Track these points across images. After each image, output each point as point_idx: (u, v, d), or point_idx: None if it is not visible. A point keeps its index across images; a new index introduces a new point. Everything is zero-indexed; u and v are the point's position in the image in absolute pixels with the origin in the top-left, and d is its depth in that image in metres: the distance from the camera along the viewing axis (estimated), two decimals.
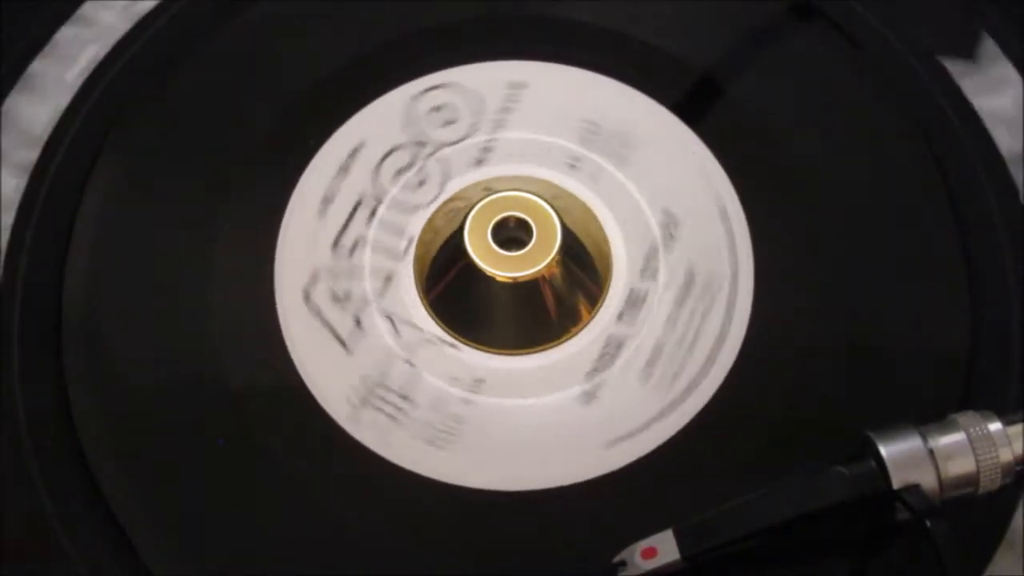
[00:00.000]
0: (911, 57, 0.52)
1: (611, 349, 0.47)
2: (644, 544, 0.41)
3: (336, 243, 0.49)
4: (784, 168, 0.49)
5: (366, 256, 0.48)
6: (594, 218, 0.49)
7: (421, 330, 0.47)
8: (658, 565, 0.40)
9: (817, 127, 0.50)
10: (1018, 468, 0.40)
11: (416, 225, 0.49)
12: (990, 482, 0.40)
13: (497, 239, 0.47)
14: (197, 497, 0.44)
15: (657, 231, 0.48)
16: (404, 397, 0.46)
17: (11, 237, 0.49)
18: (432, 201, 0.49)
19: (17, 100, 0.52)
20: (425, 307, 0.47)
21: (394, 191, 0.49)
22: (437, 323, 0.47)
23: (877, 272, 0.48)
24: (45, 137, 0.51)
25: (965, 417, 0.41)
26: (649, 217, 0.49)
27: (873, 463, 0.40)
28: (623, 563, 0.41)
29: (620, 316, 0.47)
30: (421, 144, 0.50)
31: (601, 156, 0.50)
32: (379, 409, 0.46)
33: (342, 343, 0.47)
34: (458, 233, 0.47)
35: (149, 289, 0.48)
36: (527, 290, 0.47)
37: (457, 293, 0.48)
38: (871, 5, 0.53)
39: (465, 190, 0.49)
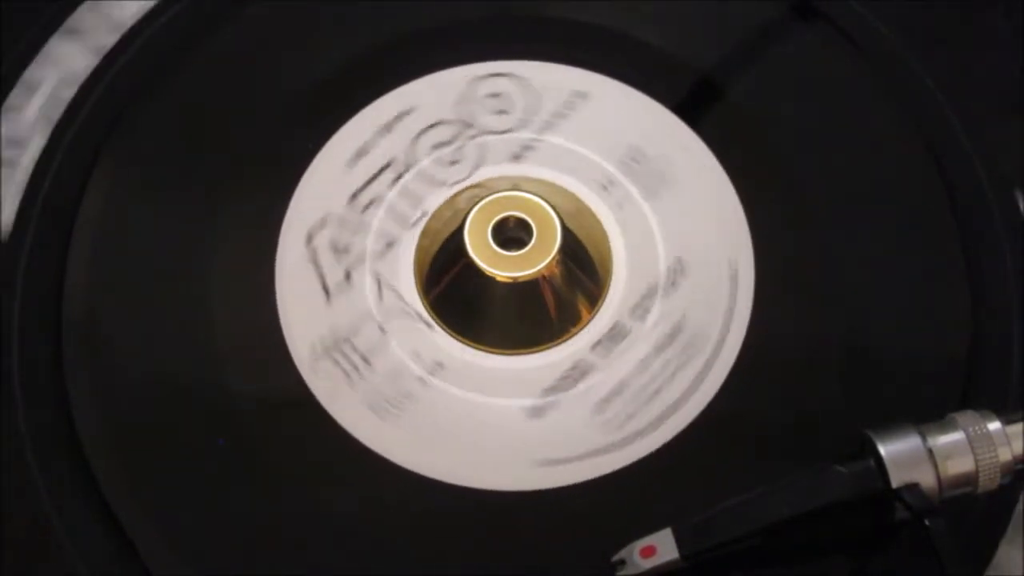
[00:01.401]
0: (911, 57, 0.52)
1: (575, 373, 0.46)
2: (643, 543, 0.41)
3: (354, 196, 0.49)
4: (784, 168, 0.49)
5: (378, 216, 0.49)
6: (601, 229, 0.49)
7: (403, 301, 0.47)
8: (657, 564, 0.40)
9: (817, 127, 0.50)
10: (1017, 467, 0.40)
11: (435, 201, 0.49)
12: (989, 481, 0.40)
13: (497, 239, 0.47)
14: (197, 497, 0.44)
15: (663, 275, 0.48)
16: (365, 360, 0.46)
17: (11, 239, 0.49)
18: (458, 182, 0.49)
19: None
20: (425, 307, 0.47)
21: (425, 162, 0.50)
22: (437, 323, 0.47)
23: (877, 272, 0.48)
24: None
25: (964, 416, 0.41)
26: (660, 259, 0.48)
27: (872, 462, 0.40)
28: (622, 562, 0.41)
29: (596, 345, 0.47)
30: (467, 125, 0.50)
31: (634, 185, 0.49)
32: (338, 363, 0.46)
33: (326, 291, 0.47)
34: (458, 233, 0.47)
35: (150, 286, 0.48)
36: (527, 290, 0.47)
37: (457, 293, 0.48)
38: (871, 5, 0.53)
39: (493, 180, 0.49)
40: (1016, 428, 0.40)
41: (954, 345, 0.46)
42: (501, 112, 0.51)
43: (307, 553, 0.43)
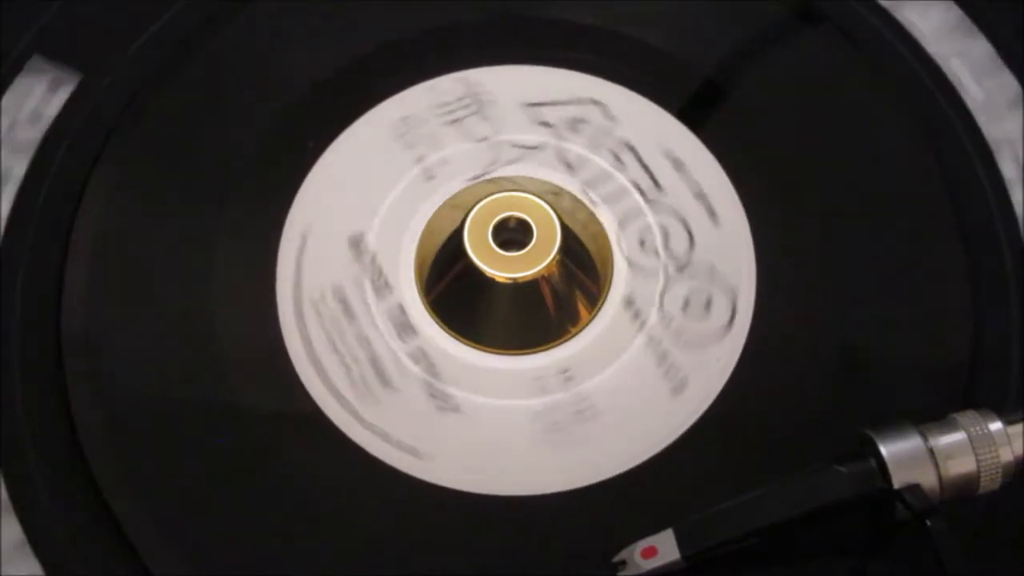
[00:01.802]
0: (912, 58, 0.52)
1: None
2: (644, 544, 0.41)
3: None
4: (785, 170, 0.49)
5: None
6: (605, 235, 0.49)
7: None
8: (658, 565, 0.40)
9: (818, 129, 0.50)
10: (1019, 468, 0.40)
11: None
12: (990, 481, 0.40)
13: (497, 239, 0.47)
14: (197, 497, 0.44)
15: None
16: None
17: (9, 243, 0.48)
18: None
19: None
20: (425, 307, 0.48)
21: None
22: (437, 323, 0.47)
23: (878, 272, 0.48)
24: None
25: (965, 416, 0.41)
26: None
27: (873, 462, 0.40)
28: (623, 562, 0.41)
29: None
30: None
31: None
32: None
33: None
34: (458, 233, 0.47)
35: (149, 287, 0.48)
36: (527, 290, 0.47)
37: (457, 293, 0.48)
38: (871, 5, 0.53)
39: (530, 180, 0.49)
40: (1017, 428, 0.40)
41: (954, 345, 0.46)
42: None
43: (307, 553, 0.43)
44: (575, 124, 0.50)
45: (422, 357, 0.47)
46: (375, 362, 0.47)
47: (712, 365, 0.46)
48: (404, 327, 0.47)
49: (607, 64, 0.51)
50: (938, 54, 0.52)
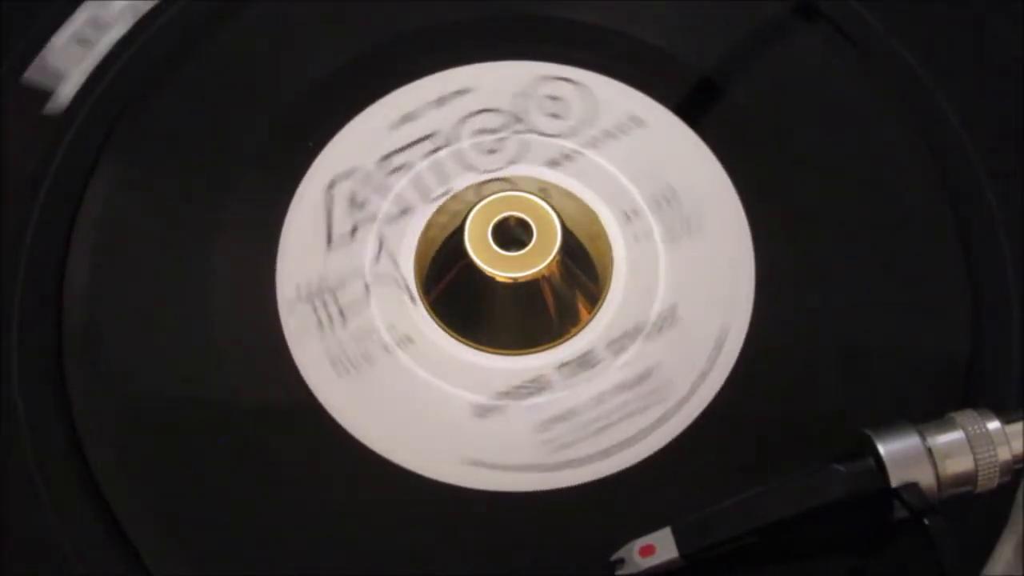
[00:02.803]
0: (911, 57, 0.52)
1: (532, 387, 0.46)
2: (642, 542, 0.41)
3: (387, 157, 0.50)
4: (785, 168, 0.49)
5: (402, 182, 0.49)
6: (611, 255, 0.49)
7: (398, 267, 0.48)
8: (656, 563, 0.40)
9: (817, 128, 0.50)
10: (1016, 467, 0.40)
11: (462, 183, 0.49)
12: (988, 480, 0.40)
13: (497, 239, 0.47)
14: (197, 497, 0.44)
15: (652, 318, 0.47)
16: (341, 314, 0.47)
17: (9, 242, 0.49)
18: (488, 172, 0.50)
19: None
20: (425, 307, 0.48)
21: (464, 144, 0.50)
22: (437, 323, 0.47)
23: (878, 271, 0.48)
24: None
25: (963, 416, 0.41)
26: (656, 302, 0.48)
27: (871, 461, 0.40)
28: (621, 561, 0.41)
29: (561, 366, 0.47)
30: (518, 119, 0.50)
31: (659, 224, 0.49)
32: (315, 310, 0.47)
33: (328, 239, 0.48)
34: (458, 233, 0.47)
35: (149, 284, 0.48)
36: (527, 290, 0.47)
37: (457, 293, 0.48)
38: (871, 5, 0.53)
39: (521, 179, 0.49)
40: (1015, 427, 0.40)
41: (954, 345, 0.46)
42: (554, 116, 0.51)
43: (308, 552, 0.43)
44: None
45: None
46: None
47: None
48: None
49: (670, 94, 0.51)
50: (938, 53, 0.52)
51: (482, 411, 0.46)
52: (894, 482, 0.40)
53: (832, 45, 0.52)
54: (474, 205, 0.47)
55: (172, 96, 0.51)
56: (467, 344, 0.47)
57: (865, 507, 0.40)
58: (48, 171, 0.50)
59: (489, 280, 0.47)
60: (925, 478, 0.40)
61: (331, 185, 0.49)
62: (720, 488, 0.41)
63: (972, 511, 0.43)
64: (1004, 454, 0.40)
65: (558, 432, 0.45)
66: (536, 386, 0.46)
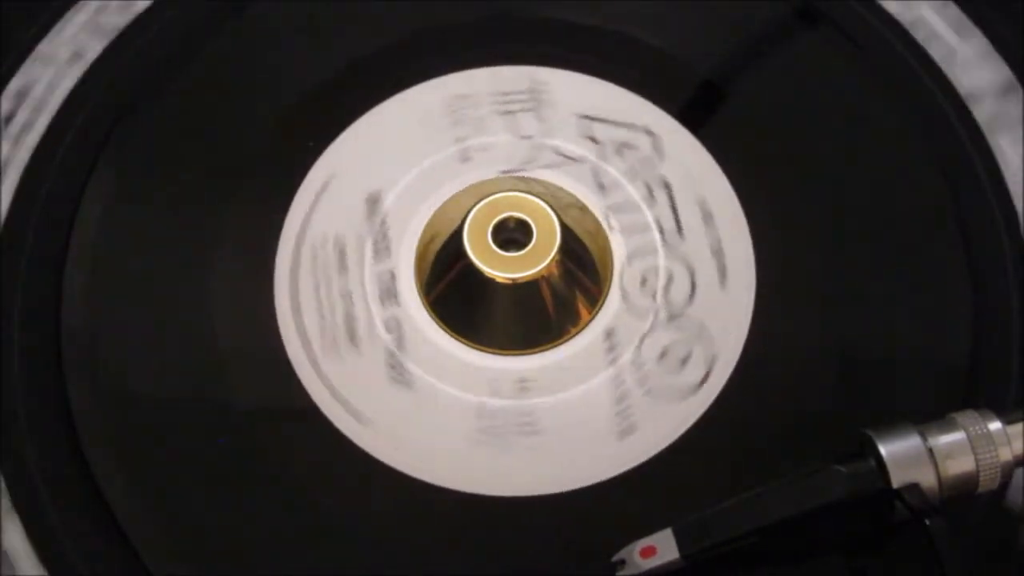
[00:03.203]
0: (912, 58, 0.52)
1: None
2: (643, 543, 0.41)
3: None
4: (786, 169, 0.49)
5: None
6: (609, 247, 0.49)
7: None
8: (657, 564, 0.40)
9: (818, 129, 0.50)
10: (1018, 467, 0.40)
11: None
12: (990, 481, 0.40)
13: (497, 240, 0.47)
14: (197, 497, 0.44)
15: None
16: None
17: (9, 242, 0.48)
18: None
19: None
20: (425, 307, 0.48)
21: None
22: (437, 323, 0.47)
23: (879, 272, 0.48)
24: None
25: (964, 416, 0.41)
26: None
27: (872, 462, 0.40)
28: (622, 562, 0.41)
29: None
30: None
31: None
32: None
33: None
34: (458, 233, 0.47)
35: (149, 287, 0.48)
36: (527, 290, 0.47)
37: (457, 293, 0.48)
38: (871, 5, 0.53)
39: (521, 179, 0.49)
40: (1017, 428, 0.40)
41: (955, 345, 0.46)
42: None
43: (307, 552, 0.43)
44: (622, 148, 0.50)
45: (395, 327, 0.47)
46: (349, 319, 0.47)
47: (667, 420, 0.46)
48: (388, 294, 0.47)
49: (670, 95, 0.51)
50: (938, 53, 0.52)
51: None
52: (895, 483, 0.40)
53: (833, 47, 0.52)
54: (474, 205, 0.47)
55: (172, 96, 0.51)
56: (467, 344, 0.47)
57: (866, 507, 0.40)
58: (48, 170, 0.50)
59: (489, 280, 0.47)
60: (926, 479, 0.40)
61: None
62: (721, 489, 0.41)
63: (973, 511, 0.43)
64: (1005, 454, 0.40)
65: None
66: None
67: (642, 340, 0.47)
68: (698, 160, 0.50)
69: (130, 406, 0.46)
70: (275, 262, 0.48)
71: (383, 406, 0.46)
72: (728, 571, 0.41)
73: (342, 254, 0.48)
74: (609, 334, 0.47)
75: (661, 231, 0.49)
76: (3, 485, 0.44)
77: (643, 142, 0.50)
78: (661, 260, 0.48)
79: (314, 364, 0.46)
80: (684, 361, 0.47)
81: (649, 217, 0.49)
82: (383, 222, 0.48)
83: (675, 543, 0.40)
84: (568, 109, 0.51)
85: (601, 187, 0.49)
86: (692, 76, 0.52)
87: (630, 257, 0.48)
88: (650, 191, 0.49)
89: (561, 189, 0.49)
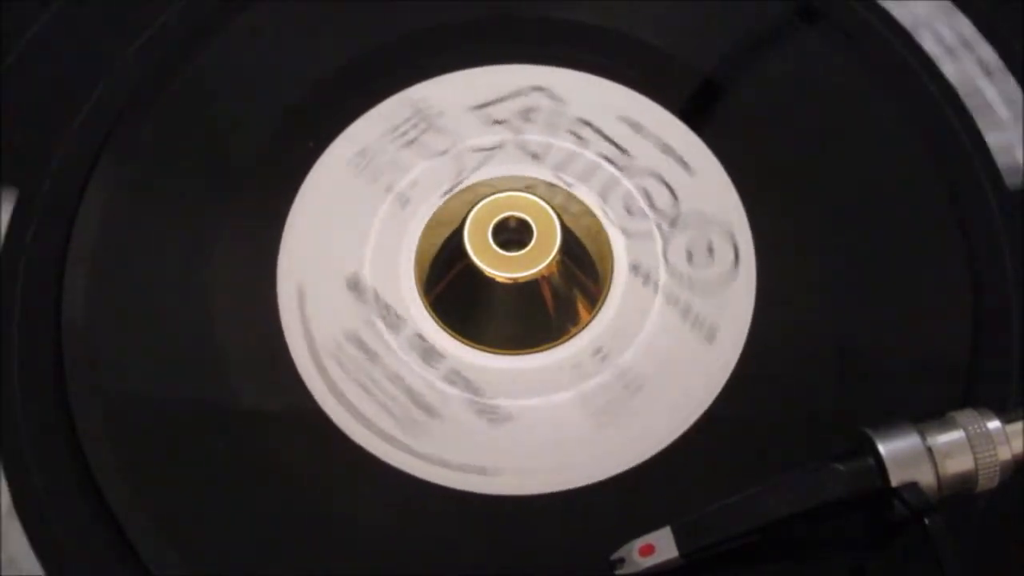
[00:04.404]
0: (911, 57, 0.52)
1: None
2: (642, 541, 0.41)
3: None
4: (785, 168, 0.50)
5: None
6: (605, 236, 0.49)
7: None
8: (656, 562, 0.40)
9: (818, 128, 0.50)
10: (1017, 466, 0.40)
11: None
12: (988, 480, 0.40)
13: (497, 239, 0.47)
14: (197, 497, 0.44)
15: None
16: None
17: (9, 243, 0.49)
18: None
19: None
20: (425, 307, 0.48)
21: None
22: (437, 323, 0.47)
23: (878, 271, 0.48)
24: None
25: (964, 415, 0.41)
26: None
27: (871, 460, 0.40)
28: (620, 560, 0.41)
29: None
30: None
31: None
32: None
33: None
34: (458, 233, 0.47)
35: (150, 286, 0.48)
36: (527, 290, 0.47)
37: (457, 293, 0.48)
38: (871, 5, 0.53)
39: (521, 178, 0.49)
40: (1016, 427, 0.40)
41: (954, 344, 0.46)
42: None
43: (307, 553, 0.43)
44: (526, 114, 0.51)
45: (457, 378, 0.47)
46: (412, 395, 0.46)
47: (733, 304, 0.47)
48: (428, 353, 0.47)
49: (543, 51, 0.52)
50: (938, 54, 0.52)
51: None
52: (894, 481, 0.40)
53: (832, 45, 0.52)
54: (474, 205, 0.47)
55: (172, 96, 0.51)
56: (467, 344, 0.47)
57: (865, 506, 0.40)
58: (48, 170, 0.50)
59: (489, 280, 0.47)
60: (925, 477, 0.40)
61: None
62: (720, 488, 0.41)
63: (972, 511, 0.43)
64: (1004, 453, 0.40)
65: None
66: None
67: (665, 255, 0.48)
68: (695, 157, 0.50)
69: (130, 406, 0.46)
70: (276, 262, 0.48)
71: (493, 444, 0.46)
72: (726, 569, 0.41)
73: (363, 347, 0.47)
74: (635, 268, 0.48)
75: (609, 160, 0.49)
76: (4, 485, 0.44)
77: (538, 99, 0.51)
78: (626, 182, 0.49)
79: (410, 451, 0.45)
80: (710, 251, 0.48)
81: (591, 155, 0.50)
82: (376, 296, 0.48)
83: (674, 541, 0.40)
84: (456, 109, 0.51)
85: (535, 156, 0.50)
86: (692, 76, 0.52)
87: (602, 195, 0.49)
88: (575, 135, 0.50)
89: (504, 178, 0.49)
